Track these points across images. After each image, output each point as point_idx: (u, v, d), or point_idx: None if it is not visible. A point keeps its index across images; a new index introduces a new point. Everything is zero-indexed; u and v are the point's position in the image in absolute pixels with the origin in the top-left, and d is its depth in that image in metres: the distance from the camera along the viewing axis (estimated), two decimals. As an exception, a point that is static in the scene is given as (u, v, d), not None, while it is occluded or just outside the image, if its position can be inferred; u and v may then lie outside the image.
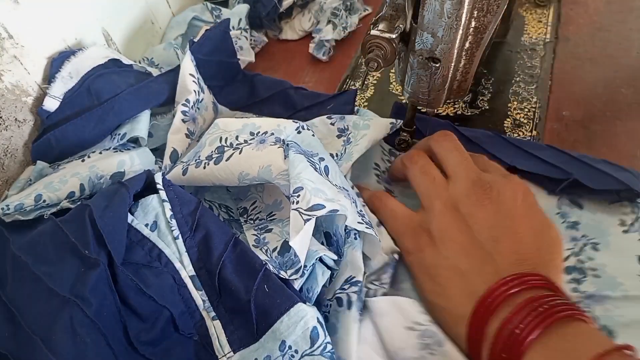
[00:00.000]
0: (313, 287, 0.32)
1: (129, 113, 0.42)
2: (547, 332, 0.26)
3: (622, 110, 0.49)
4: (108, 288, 0.29)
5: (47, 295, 0.29)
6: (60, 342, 0.27)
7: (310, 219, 0.31)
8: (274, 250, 0.35)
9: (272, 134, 0.38)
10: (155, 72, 0.49)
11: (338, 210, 0.32)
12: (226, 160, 0.37)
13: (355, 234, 0.34)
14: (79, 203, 0.36)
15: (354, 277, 0.33)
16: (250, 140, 0.38)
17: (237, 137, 0.39)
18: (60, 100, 0.42)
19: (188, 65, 0.46)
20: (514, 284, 0.29)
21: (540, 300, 0.27)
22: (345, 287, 0.32)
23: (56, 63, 0.43)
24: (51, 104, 0.42)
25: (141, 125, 0.42)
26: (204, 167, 0.38)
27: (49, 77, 0.43)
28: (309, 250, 0.32)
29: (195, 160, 0.39)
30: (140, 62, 0.52)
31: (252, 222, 0.40)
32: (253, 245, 0.37)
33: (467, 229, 0.33)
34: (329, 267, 0.34)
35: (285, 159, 0.35)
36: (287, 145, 0.36)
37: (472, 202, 0.33)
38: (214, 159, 0.38)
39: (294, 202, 0.32)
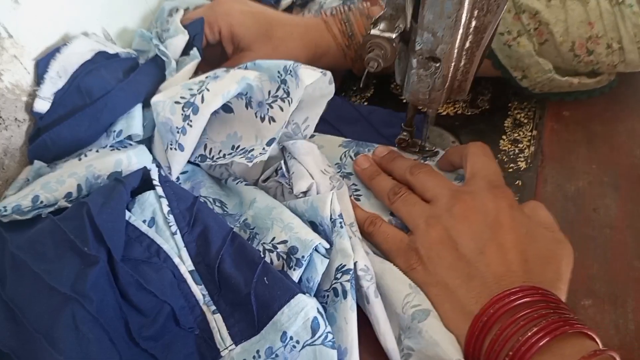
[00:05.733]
0: (313, 276, 0.33)
1: (123, 109, 0.41)
2: (541, 351, 0.26)
3: (622, 110, 0.49)
4: (108, 284, 0.29)
5: (47, 293, 0.29)
6: (64, 339, 0.27)
7: (324, 73, 0.39)
8: (263, 149, 0.38)
9: (216, 73, 0.40)
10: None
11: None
12: (202, 103, 0.37)
13: (340, 222, 0.35)
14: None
15: (345, 264, 0.33)
16: (204, 84, 0.39)
17: (189, 89, 0.39)
18: (51, 101, 0.42)
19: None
20: (504, 302, 0.29)
21: (532, 318, 0.27)
22: (338, 276, 0.33)
23: (42, 63, 0.42)
24: (42, 106, 0.41)
25: (136, 121, 0.41)
26: (185, 134, 0.38)
27: (38, 78, 0.42)
28: (304, 239, 0.33)
29: (176, 133, 0.38)
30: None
31: (220, 159, 0.41)
32: (247, 162, 0.38)
33: (452, 244, 0.33)
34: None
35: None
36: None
37: (454, 216, 0.34)
38: (190, 115, 0.38)
39: (298, 65, 0.37)
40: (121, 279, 0.30)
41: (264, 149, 0.38)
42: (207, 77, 0.40)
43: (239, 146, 0.41)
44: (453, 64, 0.36)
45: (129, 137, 0.42)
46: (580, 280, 0.37)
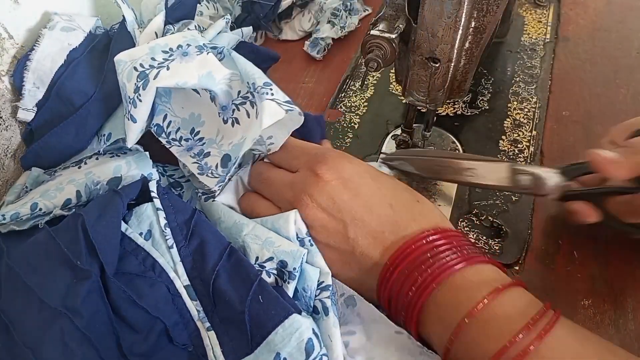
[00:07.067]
0: (309, 285, 0.32)
1: (106, 112, 0.40)
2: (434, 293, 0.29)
3: (622, 110, 0.49)
4: (100, 299, 0.29)
5: (38, 307, 0.29)
6: (50, 355, 0.27)
7: (291, 110, 0.34)
8: (217, 167, 0.36)
9: (189, 44, 0.37)
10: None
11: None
12: (154, 79, 0.35)
13: (309, 240, 0.34)
14: (73, 211, 0.35)
15: (323, 281, 0.32)
16: (170, 57, 0.36)
17: (152, 59, 0.36)
18: (34, 111, 0.41)
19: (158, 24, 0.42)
20: (390, 271, 0.31)
21: (413, 276, 0.30)
22: (317, 293, 0.32)
23: (17, 75, 0.40)
24: (26, 115, 0.41)
25: (122, 122, 0.40)
26: (135, 106, 0.36)
27: (17, 90, 0.41)
28: (291, 251, 0.32)
29: (129, 103, 0.36)
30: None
31: (176, 142, 0.39)
32: (199, 173, 0.37)
33: (327, 247, 0.34)
34: None
35: (221, 61, 0.36)
36: (215, 48, 0.37)
37: (313, 224, 0.34)
38: (140, 88, 0.35)
39: (266, 93, 0.34)
40: (113, 294, 0.29)
41: (217, 166, 0.37)
42: (178, 47, 0.37)
43: (198, 132, 0.39)
44: (452, 64, 0.36)
45: (122, 141, 0.41)
46: (580, 280, 0.37)
